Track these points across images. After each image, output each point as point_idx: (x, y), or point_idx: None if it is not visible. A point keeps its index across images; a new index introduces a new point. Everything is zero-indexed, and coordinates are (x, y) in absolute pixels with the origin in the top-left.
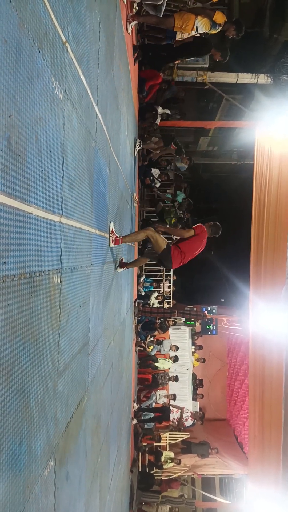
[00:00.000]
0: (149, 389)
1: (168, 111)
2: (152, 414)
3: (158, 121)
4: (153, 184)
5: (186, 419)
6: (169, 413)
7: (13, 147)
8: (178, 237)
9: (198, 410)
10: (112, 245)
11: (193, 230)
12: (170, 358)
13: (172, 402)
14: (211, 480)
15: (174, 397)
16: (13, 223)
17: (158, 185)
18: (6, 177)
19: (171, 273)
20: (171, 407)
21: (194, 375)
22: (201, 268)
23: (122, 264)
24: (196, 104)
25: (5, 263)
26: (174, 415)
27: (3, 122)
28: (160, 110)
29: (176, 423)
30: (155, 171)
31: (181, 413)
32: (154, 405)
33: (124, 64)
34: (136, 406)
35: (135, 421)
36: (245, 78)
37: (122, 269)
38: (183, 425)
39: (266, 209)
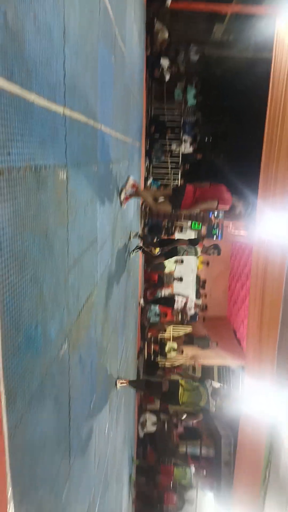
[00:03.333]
0: (154, 288)
1: None
2: (158, 310)
3: (169, 2)
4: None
5: (190, 309)
6: (174, 302)
7: (9, 24)
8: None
9: (193, 313)
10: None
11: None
12: (176, 261)
13: (177, 290)
14: (210, 368)
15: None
16: (15, 111)
17: (167, 77)
18: (4, 58)
19: (179, 177)
20: (176, 297)
21: (198, 277)
22: (208, 173)
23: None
24: None
25: (9, 154)
26: (179, 304)
27: None
28: None
29: (180, 310)
30: (165, 62)
31: (186, 302)
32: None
33: None
34: (142, 302)
35: (143, 303)
36: None
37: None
38: (186, 313)
39: (282, 108)
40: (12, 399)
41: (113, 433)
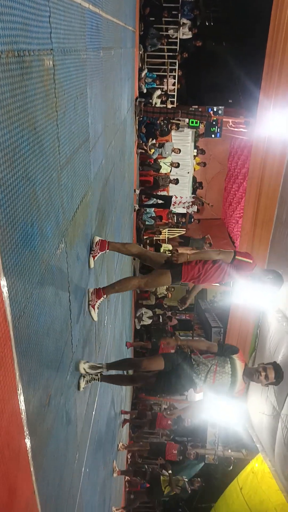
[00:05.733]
0: (150, 190)
1: None
2: (153, 213)
3: None
4: None
5: (188, 207)
6: (171, 201)
7: None
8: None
9: (196, 210)
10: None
11: (233, 252)
12: (173, 164)
13: (173, 192)
14: None
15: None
16: None
17: None
18: None
19: (176, 68)
20: (172, 198)
21: (194, 178)
22: (209, 63)
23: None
24: None
25: None
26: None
27: None
28: None
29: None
30: None
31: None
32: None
33: None
34: (137, 206)
35: (137, 207)
36: None
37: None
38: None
39: None
40: (14, 292)
41: (112, 325)
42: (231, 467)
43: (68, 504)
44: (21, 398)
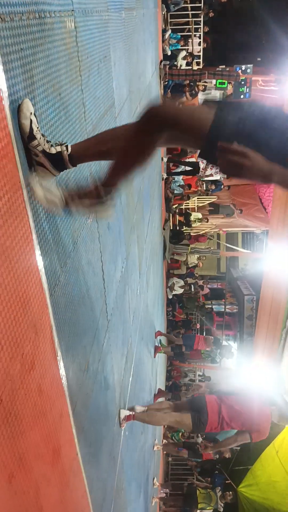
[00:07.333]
0: (178, 157)
1: None
2: (182, 181)
3: None
4: None
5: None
6: (199, 167)
7: None
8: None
9: (225, 176)
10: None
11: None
12: None
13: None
14: (234, 235)
15: None
16: None
17: None
18: None
19: (202, 26)
20: (200, 164)
21: None
22: (237, 20)
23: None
24: None
25: None
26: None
27: None
28: None
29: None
30: None
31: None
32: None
33: None
34: (165, 175)
35: (165, 176)
36: None
37: None
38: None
39: None
40: (49, 262)
41: (144, 294)
42: None
43: (110, 466)
44: (61, 364)
